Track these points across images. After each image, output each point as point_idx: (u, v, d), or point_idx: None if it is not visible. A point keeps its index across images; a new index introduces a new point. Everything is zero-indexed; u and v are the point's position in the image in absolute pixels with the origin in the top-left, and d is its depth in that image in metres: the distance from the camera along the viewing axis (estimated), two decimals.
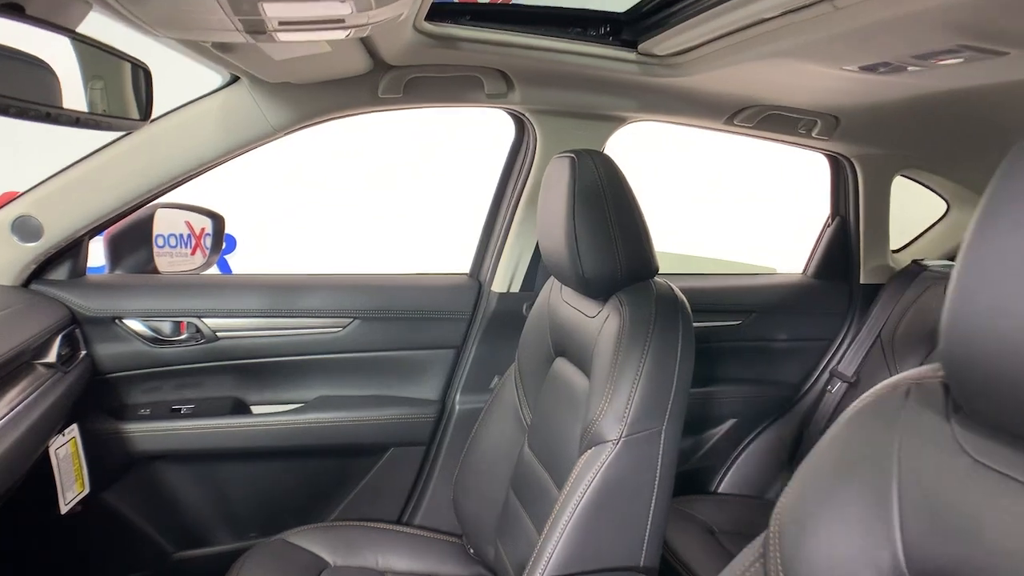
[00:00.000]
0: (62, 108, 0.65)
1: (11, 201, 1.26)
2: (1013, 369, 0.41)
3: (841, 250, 1.80)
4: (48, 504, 1.25)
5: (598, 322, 1.08)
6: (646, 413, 0.96)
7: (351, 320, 1.51)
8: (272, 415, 1.50)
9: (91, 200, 1.26)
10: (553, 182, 1.12)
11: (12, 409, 1.05)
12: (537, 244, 1.54)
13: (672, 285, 1.08)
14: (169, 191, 1.35)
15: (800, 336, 1.83)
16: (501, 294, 1.56)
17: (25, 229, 1.25)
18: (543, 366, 1.28)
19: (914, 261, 1.76)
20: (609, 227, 1.06)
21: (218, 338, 1.43)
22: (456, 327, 1.58)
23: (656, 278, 1.10)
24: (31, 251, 1.27)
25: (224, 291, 1.45)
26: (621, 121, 1.46)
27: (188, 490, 1.48)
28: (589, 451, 0.99)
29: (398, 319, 1.53)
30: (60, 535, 1.36)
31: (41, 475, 1.23)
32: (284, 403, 1.52)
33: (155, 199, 1.36)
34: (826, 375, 1.83)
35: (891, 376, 0.54)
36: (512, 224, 1.54)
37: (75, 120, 0.68)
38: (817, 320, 1.84)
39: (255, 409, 1.52)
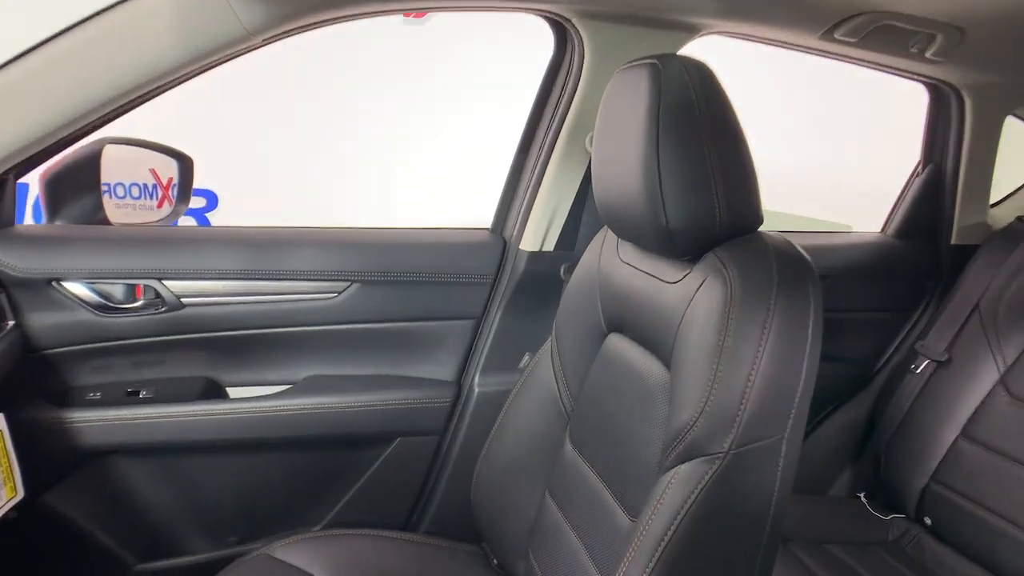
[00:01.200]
0: None
1: None
2: None
3: (931, 205, 1.52)
4: None
5: (684, 290, 0.80)
6: (766, 416, 0.69)
7: (348, 284, 1.22)
8: (252, 400, 1.23)
9: (8, 125, 0.96)
10: (622, 99, 0.83)
11: None
12: (580, 190, 1.25)
13: (789, 238, 0.80)
14: (115, 116, 1.05)
15: (877, 306, 1.56)
16: (532, 253, 1.27)
17: None
18: (591, 344, 1.01)
19: (1019, 218, 1.48)
20: (706, 159, 0.77)
21: (183, 305, 1.15)
22: (476, 293, 1.29)
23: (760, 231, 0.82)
24: None
25: (191, 247, 1.17)
26: (692, 32, 1.15)
27: (151, 491, 1.21)
28: (680, 468, 0.72)
29: (405, 283, 1.25)
30: None
31: None
32: (267, 384, 1.25)
33: (97, 127, 1.06)
34: (903, 351, 1.57)
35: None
36: (548, 165, 1.24)
37: None
38: (897, 287, 1.57)
39: (231, 392, 1.24)
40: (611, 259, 0.98)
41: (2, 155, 0.97)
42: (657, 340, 0.85)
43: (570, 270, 1.21)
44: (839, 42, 1.15)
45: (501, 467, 1.13)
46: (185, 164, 1.34)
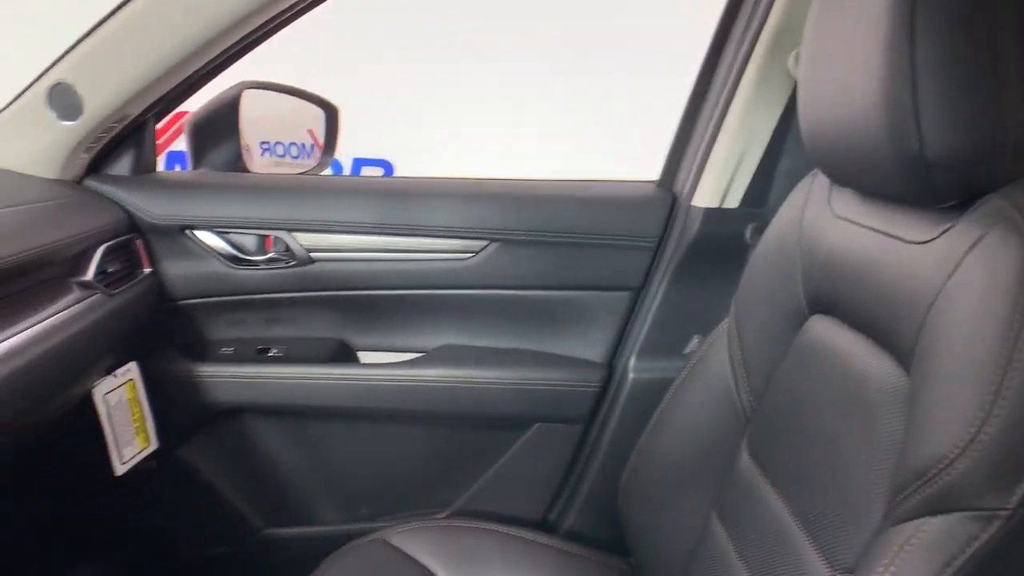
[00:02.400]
0: None
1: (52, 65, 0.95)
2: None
3: None
4: (106, 464, 0.97)
5: (941, 253, 0.52)
6: None
7: (486, 243, 1.06)
8: (383, 366, 1.12)
9: (133, 61, 0.91)
10: None
11: (29, 339, 0.75)
12: (776, 128, 0.98)
13: None
14: (242, 49, 0.97)
15: None
16: (709, 210, 1.02)
17: (64, 102, 0.94)
18: (784, 328, 0.75)
19: None
20: (995, 46, 0.49)
21: (312, 260, 1.06)
22: (635, 258, 1.07)
23: None
24: (73, 133, 0.95)
25: (321, 197, 1.07)
26: None
27: (280, 454, 1.15)
28: (927, 523, 0.46)
29: (552, 243, 1.06)
30: (122, 501, 1.10)
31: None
32: (397, 351, 1.13)
33: (226, 62, 0.99)
34: None
35: None
36: (735, 98, 0.98)
37: None
38: None
39: (361, 356, 1.14)
40: (820, 214, 0.71)
41: (126, 95, 0.93)
42: (889, 327, 0.58)
43: (759, 232, 0.94)
44: None
45: (657, 473, 0.91)
46: (331, 113, 1.26)
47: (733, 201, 1.02)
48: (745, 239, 1.02)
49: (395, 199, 1.06)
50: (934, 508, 0.46)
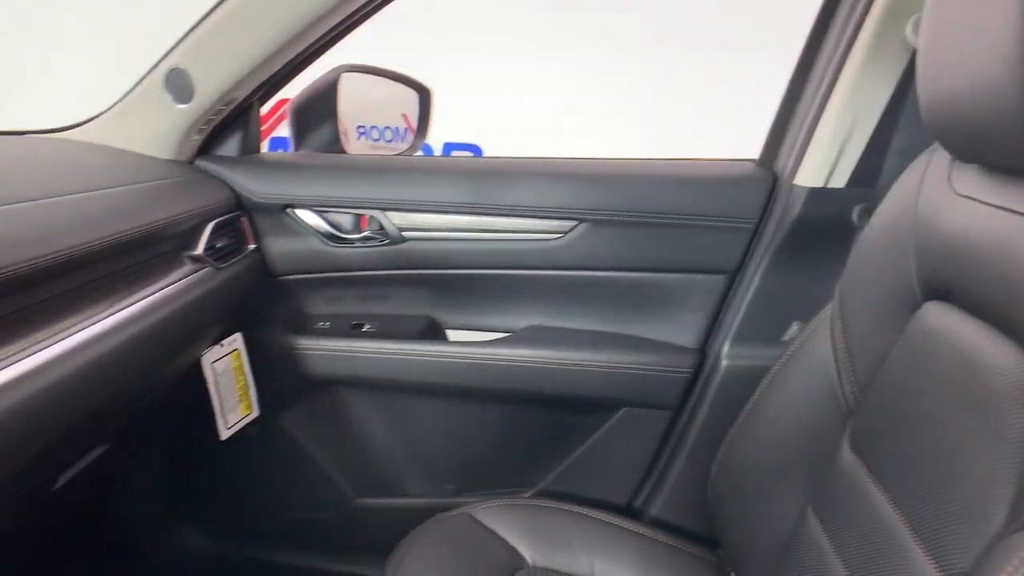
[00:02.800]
0: None
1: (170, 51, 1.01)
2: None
3: None
4: (211, 429, 1.04)
5: None
6: None
7: (576, 223, 1.05)
8: (471, 344, 1.13)
9: (240, 47, 0.95)
10: None
11: (144, 308, 0.81)
12: (889, 102, 0.91)
13: None
14: (345, 31, 1.00)
15: None
16: (813, 190, 0.96)
17: (179, 86, 1.00)
18: (895, 316, 0.70)
19: None
20: None
21: (404, 239, 1.09)
22: (733, 240, 1.03)
23: None
24: (186, 115, 1.01)
25: (413, 177, 1.09)
26: None
27: (372, 427, 1.19)
28: None
29: (644, 224, 1.04)
30: (226, 465, 1.16)
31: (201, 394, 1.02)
32: (486, 330, 1.14)
33: (325, 45, 1.02)
34: None
35: None
36: (844, 70, 0.92)
37: None
38: None
39: (451, 335, 1.16)
40: (939, 193, 0.66)
41: (234, 78, 0.98)
42: (1016, 314, 0.52)
43: (867, 213, 0.89)
44: None
45: (750, 464, 0.88)
46: (424, 96, 1.28)
47: (839, 181, 0.96)
48: (852, 220, 0.95)
49: (485, 179, 1.07)
50: None
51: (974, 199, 0.60)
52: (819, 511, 0.75)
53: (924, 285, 0.66)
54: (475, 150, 2.91)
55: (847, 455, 0.72)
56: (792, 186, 0.98)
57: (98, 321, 0.74)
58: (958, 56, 0.55)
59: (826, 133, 0.95)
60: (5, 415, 0.58)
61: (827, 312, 0.81)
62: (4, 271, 0.61)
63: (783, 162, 1.01)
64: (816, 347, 0.81)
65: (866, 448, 0.70)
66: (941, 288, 0.64)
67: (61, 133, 1.07)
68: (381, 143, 1.67)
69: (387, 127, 1.69)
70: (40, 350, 0.65)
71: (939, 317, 0.64)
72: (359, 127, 1.42)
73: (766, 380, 0.87)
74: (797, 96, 1.00)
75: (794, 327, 1.01)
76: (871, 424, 0.71)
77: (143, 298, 0.82)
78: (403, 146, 1.32)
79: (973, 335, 0.58)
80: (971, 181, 0.62)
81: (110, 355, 0.74)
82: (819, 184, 0.96)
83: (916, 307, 0.67)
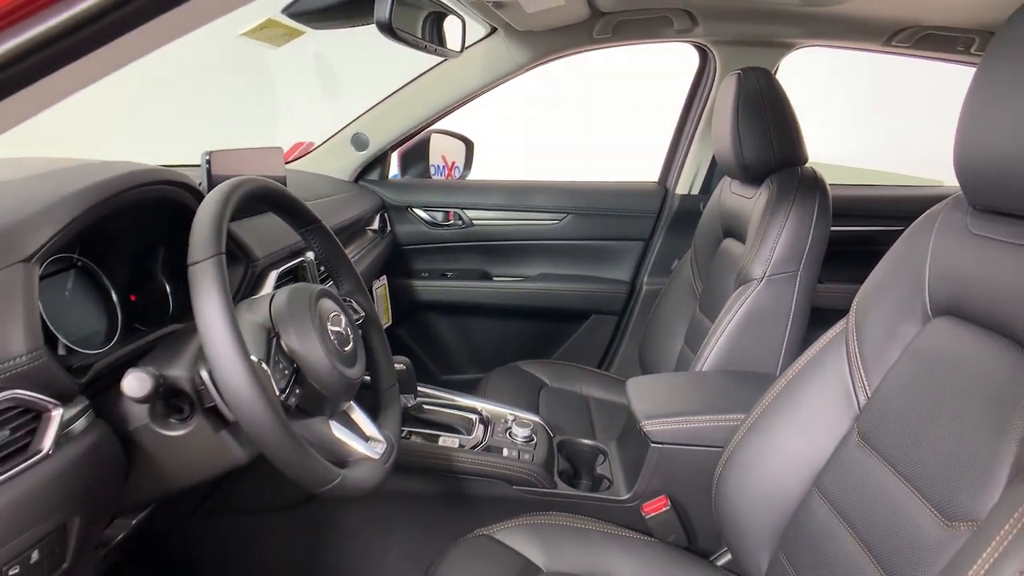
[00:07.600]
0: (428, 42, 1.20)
1: (352, 122, 1.91)
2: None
3: None
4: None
5: (754, 200, 1.41)
6: (785, 259, 1.30)
7: (565, 215, 2.00)
8: (508, 282, 2.05)
9: (398, 122, 1.87)
10: (725, 93, 1.47)
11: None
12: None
13: (816, 170, 1.39)
14: (443, 117, 1.92)
15: None
16: (683, 195, 1.95)
17: (358, 141, 1.89)
18: (713, 246, 1.64)
19: None
20: (766, 123, 1.39)
21: (473, 225, 2.00)
22: (646, 223, 2.00)
23: (807, 166, 1.41)
24: (360, 158, 1.91)
25: (477, 191, 2.02)
26: (789, 47, 1.76)
27: (450, 331, 2.09)
28: (740, 287, 1.35)
29: (601, 215, 1.99)
30: None
31: None
32: (516, 276, 2.07)
33: (433, 124, 1.94)
34: None
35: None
36: (694, 137, 1.92)
37: (425, 47, 1.22)
38: None
39: (496, 279, 2.08)
40: (726, 193, 1.62)
41: (391, 139, 1.89)
42: (740, 232, 1.48)
43: (706, 204, 1.87)
44: (898, 47, 1.67)
45: (658, 332, 1.77)
46: (468, 145, 2.21)
47: (695, 190, 1.96)
48: (699, 209, 1.91)
49: (515, 191, 2.00)
50: (741, 282, 1.35)
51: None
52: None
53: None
54: None
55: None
56: (675, 194, 1.97)
57: None
58: (721, 129, 1.50)
59: (690, 166, 1.94)
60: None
61: (689, 253, 1.77)
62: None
63: (671, 181, 2.00)
64: (684, 269, 1.76)
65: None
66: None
67: (292, 164, 1.94)
68: (437, 176, 2.59)
69: (434, 164, 2.61)
70: None
71: (727, 244, 1.59)
72: (432, 164, 2.33)
73: (663, 290, 1.82)
74: (675, 147, 2.00)
75: (676, 262, 1.98)
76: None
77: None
78: (459, 175, 2.25)
79: (734, 245, 1.53)
80: (735, 186, 1.59)
81: None
82: (686, 192, 1.95)
83: (720, 241, 1.63)
